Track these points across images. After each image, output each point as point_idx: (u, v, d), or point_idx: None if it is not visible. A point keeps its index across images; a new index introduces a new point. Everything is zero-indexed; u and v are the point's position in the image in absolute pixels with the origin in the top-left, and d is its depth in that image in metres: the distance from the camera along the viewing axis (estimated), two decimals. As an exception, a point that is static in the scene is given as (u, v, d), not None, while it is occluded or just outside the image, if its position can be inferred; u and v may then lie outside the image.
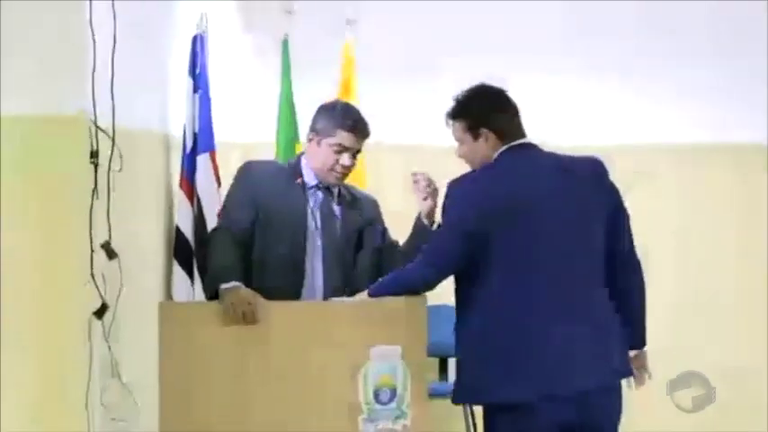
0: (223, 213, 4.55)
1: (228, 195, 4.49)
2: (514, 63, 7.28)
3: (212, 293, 4.18)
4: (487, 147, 3.98)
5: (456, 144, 4.12)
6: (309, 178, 4.46)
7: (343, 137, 4.38)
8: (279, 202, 4.39)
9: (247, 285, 4.14)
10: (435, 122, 7.27)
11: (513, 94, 4.10)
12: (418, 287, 4.08)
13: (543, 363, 3.78)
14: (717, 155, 7.19)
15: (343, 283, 4.42)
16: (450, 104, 4.11)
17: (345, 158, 4.40)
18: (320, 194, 4.46)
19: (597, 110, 7.15)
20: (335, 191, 4.50)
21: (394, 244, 4.59)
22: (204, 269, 4.84)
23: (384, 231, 4.63)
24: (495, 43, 7.26)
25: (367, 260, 4.52)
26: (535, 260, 3.83)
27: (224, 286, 4.09)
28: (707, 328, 7.10)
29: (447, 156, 7.28)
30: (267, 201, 4.38)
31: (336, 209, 4.48)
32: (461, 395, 4.09)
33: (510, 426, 3.85)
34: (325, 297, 4.36)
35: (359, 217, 4.53)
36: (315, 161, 4.43)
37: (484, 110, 4.01)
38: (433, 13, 7.17)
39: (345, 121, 4.40)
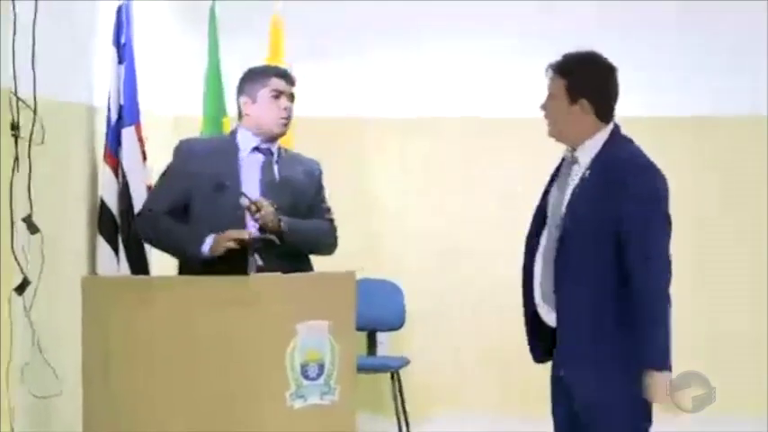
0: (155, 191, 4.53)
1: (163, 174, 4.49)
2: (445, 36, 7.33)
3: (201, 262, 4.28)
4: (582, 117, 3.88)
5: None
6: (247, 142, 4.48)
7: (275, 82, 4.50)
8: (214, 173, 4.36)
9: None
10: (362, 94, 7.35)
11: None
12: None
13: None
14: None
15: None
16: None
17: (284, 101, 4.50)
18: (260, 156, 4.49)
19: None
20: (275, 152, 4.52)
21: (325, 209, 4.69)
22: (130, 245, 4.82)
23: (323, 197, 4.72)
24: (423, 18, 7.27)
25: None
26: None
27: (205, 249, 4.24)
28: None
29: (374, 126, 7.37)
30: (201, 173, 4.36)
31: (275, 168, 4.49)
32: None
33: None
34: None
35: (301, 175, 4.57)
36: (258, 117, 4.48)
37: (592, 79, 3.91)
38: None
39: (269, 70, 4.61)
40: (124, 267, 4.96)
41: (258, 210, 4.30)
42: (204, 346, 3.93)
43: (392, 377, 6.80)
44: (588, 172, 3.83)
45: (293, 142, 6.23)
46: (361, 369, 4.57)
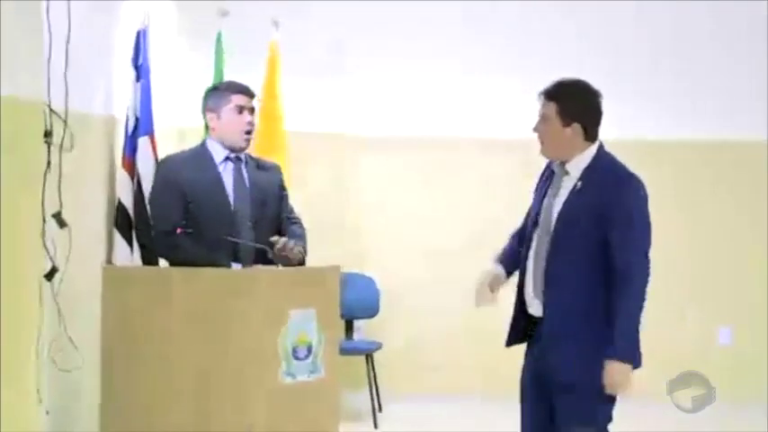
0: (161, 210, 4.45)
1: (156, 195, 4.47)
2: (428, 57, 7.39)
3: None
4: (573, 138, 3.89)
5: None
6: (218, 153, 4.46)
7: (237, 98, 4.46)
8: (201, 185, 4.38)
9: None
10: (351, 114, 7.41)
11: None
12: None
13: None
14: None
15: (263, 235, 4.41)
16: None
17: (247, 116, 4.46)
18: (231, 164, 4.47)
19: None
20: (243, 158, 4.50)
21: (293, 217, 4.64)
22: (141, 237, 4.85)
23: (287, 197, 4.68)
24: (410, 42, 7.33)
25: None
26: None
27: None
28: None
29: (361, 144, 7.43)
30: (192, 187, 4.37)
31: (245, 174, 4.49)
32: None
33: None
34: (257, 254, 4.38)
35: (268, 177, 4.56)
36: (224, 131, 4.44)
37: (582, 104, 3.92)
38: (351, 14, 7.21)
39: (231, 87, 4.53)
40: (137, 258, 5.00)
41: (283, 250, 4.32)
42: (210, 329, 3.98)
43: (367, 359, 6.85)
44: (580, 183, 3.87)
45: (286, 153, 6.30)
46: (341, 351, 4.61)
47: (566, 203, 3.87)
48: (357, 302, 7.00)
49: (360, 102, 7.40)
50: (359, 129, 7.40)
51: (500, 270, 4.10)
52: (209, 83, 6.18)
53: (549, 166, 4.05)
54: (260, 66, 6.44)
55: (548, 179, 4.02)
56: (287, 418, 4.02)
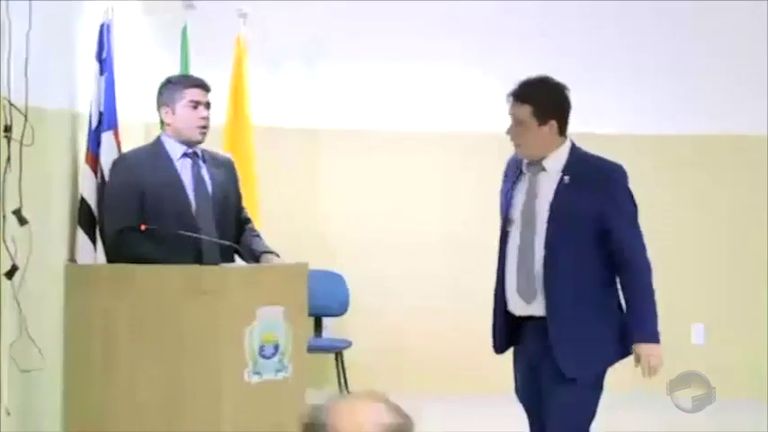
0: (113, 211, 4.40)
1: (112, 195, 4.41)
2: (398, 53, 7.36)
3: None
4: (550, 135, 3.91)
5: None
6: (175, 150, 4.41)
7: (193, 92, 4.39)
8: (159, 185, 4.33)
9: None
10: (320, 109, 7.37)
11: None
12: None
13: None
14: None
15: (226, 235, 4.37)
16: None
17: (202, 111, 4.40)
18: (188, 161, 4.42)
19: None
20: (200, 154, 4.45)
21: (252, 227, 4.59)
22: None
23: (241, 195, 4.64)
24: (381, 36, 7.29)
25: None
26: None
27: None
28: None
29: (331, 139, 7.39)
30: (150, 188, 4.31)
31: (204, 171, 4.44)
32: None
33: None
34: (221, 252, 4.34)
35: (224, 173, 4.51)
36: (178, 126, 4.39)
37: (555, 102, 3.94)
38: (319, 7, 7.18)
39: (185, 81, 4.48)
40: (100, 256, 4.93)
41: None
42: (175, 327, 3.94)
43: (336, 357, 6.81)
44: (567, 178, 3.88)
45: (252, 148, 6.25)
46: (310, 350, 4.58)
47: (557, 199, 3.88)
48: (326, 300, 6.96)
49: (330, 96, 7.36)
50: (329, 123, 7.36)
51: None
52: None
53: (513, 167, 4.04)
54: (227, 59, 6.37)
55: (516, 179, 4.00)
56: (254, 417, 3.98)
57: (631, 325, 3.87)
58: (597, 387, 3.92)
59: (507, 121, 3.96)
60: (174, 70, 6.09)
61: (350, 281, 7.14)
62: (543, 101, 3.90)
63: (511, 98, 3.93)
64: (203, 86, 4.43)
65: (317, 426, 1.97)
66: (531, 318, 3.93)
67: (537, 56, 6.76)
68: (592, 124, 6.58)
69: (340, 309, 7.10)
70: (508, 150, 4.08)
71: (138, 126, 5.70)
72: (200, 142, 4.44)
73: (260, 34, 6.64)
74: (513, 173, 4.03)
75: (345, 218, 7.38)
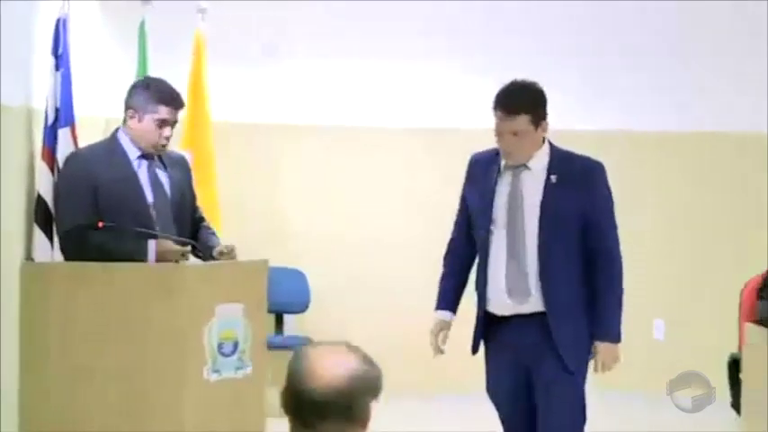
0: (66, 208, 4.36)
1: (65, 192, 4.36)
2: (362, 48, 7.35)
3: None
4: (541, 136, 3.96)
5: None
6: (131, 150, 4.36)
7: (164, 111, 4.30)
8: (116, 183, 4.29)
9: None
10: (281, 104, 7.35)
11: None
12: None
13: None
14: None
15: (184, 233, 4.34)
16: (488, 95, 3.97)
17: (167, 131, 4.33)
18: (144, 162, 4.38)
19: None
20: (155, 156, 4.42)
21: (208, 225, 4.57)
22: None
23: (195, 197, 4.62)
24: (343, 30, 7.28)
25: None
26: None
27: (152, 258, 4.08)
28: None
29: (292, 134, 7.38)
30: (105, 185, 4.27)
31: (160, 172, 4.41)
32: None
33: None
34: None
35: (180, 172, 4.49)
36: (139, 136, 4.33)
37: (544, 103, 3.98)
38: (279, 2, 7.15)
39: (164, 96, 4.33)
40: (57, 255, 4.89)
41: (229, 253, 4.24)
42: (133, 325, 3.92)
43: (297, 355, 6.80)
44: (554, 177, 3.91)
45: (212, 144, 6.21)
46: (270, 347, 4.56)
47: (546, 198, 3.91)
48: (287, 297, 6.95)
49: (290, 92, 7.34)
50: (289, 119, 7.34)
51: (446, 316, 4.12)
52: (133, 72, 6.08)
53: (482, 167, 4.04)
54: (186, 55, 6.33)
55: (491, 178, 3.98)
56: (213, 415, 3.97)
57: (597, 320, 3.91)
58: (584, 380, 4.01)
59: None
60: (133, 66, 6.06)
61: (311, 278, 7.13)
62: (534, 106, 3.92)
63: (500, 112, 3.89)
64: (178, 105, 4.35)
65: (294, 367, 2.21)
66: (516, 316, 3.94)
67: (504, 53, 6.80)
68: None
69: (301, 306, 7.09)
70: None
71: (95, 122, 5.64)
72: (154, 156, 4.38)
73: (219, 30, 6.59)
74: (484, 172, 4.01)
75: (307, 215, 7.37)
